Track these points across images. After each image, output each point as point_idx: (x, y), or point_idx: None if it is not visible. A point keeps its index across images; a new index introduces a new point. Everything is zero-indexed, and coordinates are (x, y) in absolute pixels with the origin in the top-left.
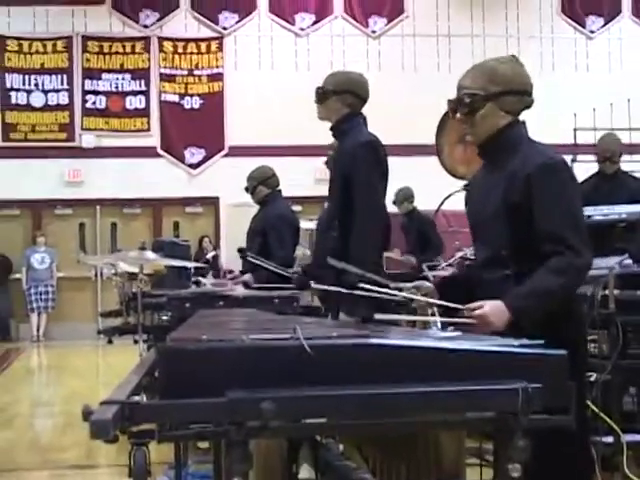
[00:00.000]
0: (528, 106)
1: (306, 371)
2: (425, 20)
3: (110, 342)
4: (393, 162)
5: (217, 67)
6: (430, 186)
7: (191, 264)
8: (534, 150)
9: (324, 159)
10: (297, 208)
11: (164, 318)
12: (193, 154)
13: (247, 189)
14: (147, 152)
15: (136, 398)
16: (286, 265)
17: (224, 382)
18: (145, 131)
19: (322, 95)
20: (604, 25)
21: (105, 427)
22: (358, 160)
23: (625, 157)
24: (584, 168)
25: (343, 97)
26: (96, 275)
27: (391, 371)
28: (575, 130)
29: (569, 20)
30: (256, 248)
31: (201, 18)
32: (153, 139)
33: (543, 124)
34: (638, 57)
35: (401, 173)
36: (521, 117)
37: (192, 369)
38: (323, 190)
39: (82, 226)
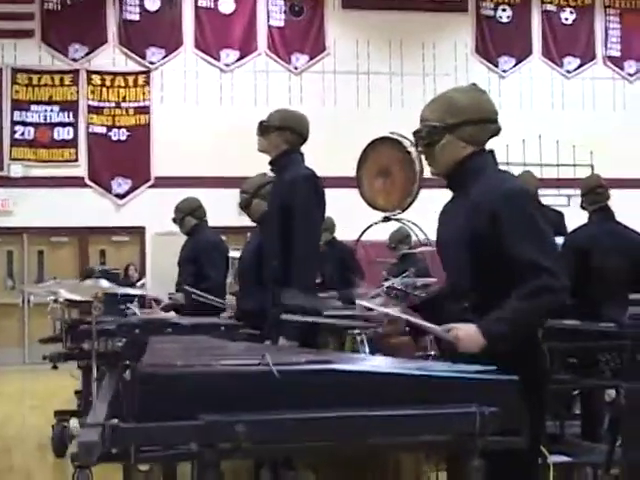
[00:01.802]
0: (494, 134)
1: (275, 395)
2: (345, 58)
3: (55, 367)
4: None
5: (144, 100)
6: (349, 218)
7: (140, 292)
8: (496, 179)
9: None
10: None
11: (118, 344)
12: (120, 184)
13: (175, 220)
14: (75, 182)
15: (115, 421)
16: (217, 287)
17: (197, 406)
18: (73, 161)
19: (264, 129)
20: (515, 65)
21: (91, 449)
22: (297, 191)
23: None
24: None
25: (284, 133)
26: (23, 302)
27: (354, 395)
28: None
29: (482, 60)
30: (190, 277)
31: (129, 52)
32: (81, 169)
33: None
34: (547, 95)
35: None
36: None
37: (167, 393)
38: (246, 220)
39: (10, 254)
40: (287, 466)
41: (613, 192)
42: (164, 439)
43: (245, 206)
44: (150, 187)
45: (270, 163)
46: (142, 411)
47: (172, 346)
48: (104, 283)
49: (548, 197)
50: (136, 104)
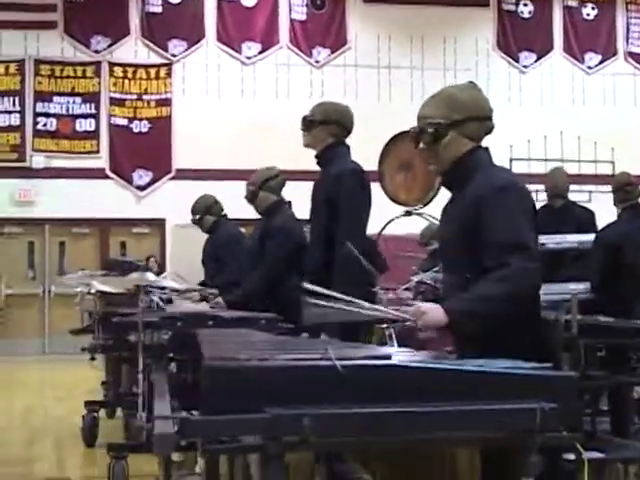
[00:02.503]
0: (489, 131)
1: (338, 389)
2: (367, 52)
3: (93, 359)
4: None
5: (165, 93)
6: (372, 211)
7: (183, 286)
8: (489, 174)
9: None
10: (242, 230)
11: (164, 337)
12: (141, 176)
13: (194, 221)
14: (96, 173)
15: (184, 413)
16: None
17: (262, 399)
18: (94, 153)
19: (308, 124)
20: (536, 60)
21: (169, 441)
22: (344, 186)
23: None
24: None
25: (329, 127)
26: (44, 292)
27: (416, 390)
28: (511, 160)
29: (503, 55)
30: (212, 275)
31: (151, 45)
32: (102, 161)
33: None
34: (568, 91)
35: None
36: None
37: (233, 386)
38: None
39: (31, 245)
40: (339, 460)
41: None
42: (232, 432)
43: (251, 198)
44: (171, 179)
45: (316, 157)
46: (208, 404)
47: (225, 339)
48: (150, 276)
49: (569, 193)
50: (158, 96)
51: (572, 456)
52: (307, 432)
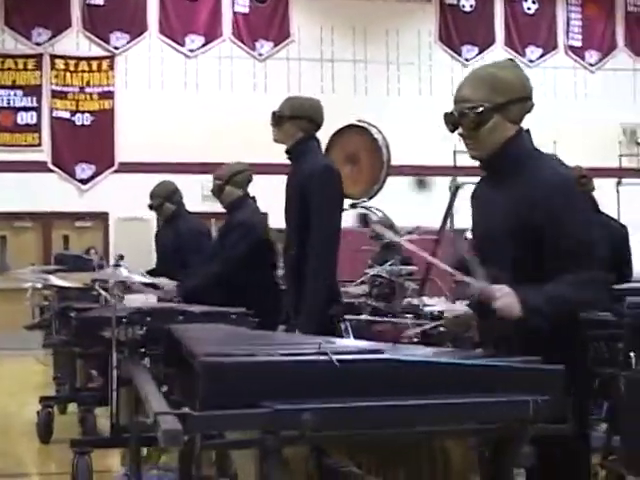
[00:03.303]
0: (529, 111)
1: (333, 384)
2: (310, 45)
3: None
4: (281, 181)
5: (108, 85)
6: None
7: (154, 280)
8: (544, 167)
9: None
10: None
11: (138, 332)
12: (83, 169)
13: (151, 207)
14: (38, 167)
15: (185, 409)
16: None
17: (260, 394)
18: (36, 146)
19: (278, 119)
20: (478, 54)
21: (177, 436)
22: (316, 182)
23: None
24: (466, 189)
25: (299, 122)
26: None
27: (412, 384)
28: (455, 153)
29: (446, 48)
30: (175, 266)
31: (93, 37)
32: (44, 154)
33: (424, 146)
34: None
35: None
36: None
37: (231, 382)
38: (209, 206)
39: None
40: (325, 453)
41: None
42: (233, 427)
43: (217, 192)
44: (114, 172)
45: (286, 152)
46: (207, 400)
47: (207, 335)
48: (124, 272)
49: None
50: (100, 89)
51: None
52: (307, 426)
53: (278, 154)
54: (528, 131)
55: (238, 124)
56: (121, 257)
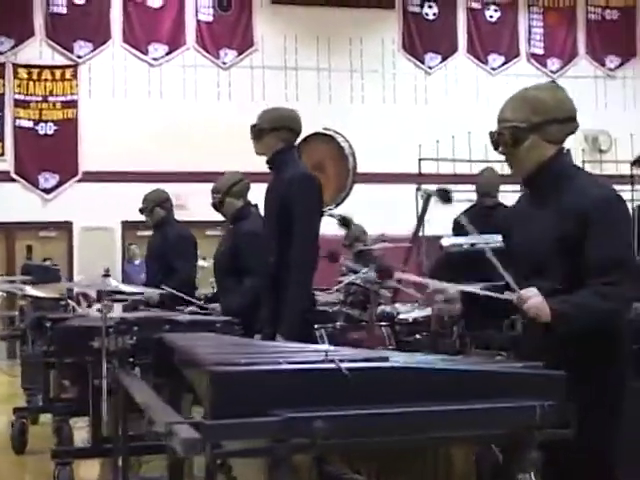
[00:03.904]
0: (572, 132)
1: (342, 392)
2: (274, 53)
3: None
4: None
5: (71, 94)
6: None
7: (133, 289)
8: (586, 183)
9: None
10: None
11: (128, 342)
12: (47, 179)
13: (142, 210)
14: (1, 176)
15: (197, 418)
16: (187, 281)
17: (269, 403)
18: None
19: (258, 132)
20: (442, 62)
21: (195, 444)
22: (297, 190)
23: (465, 187)
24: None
25: (279, 133)
26: None
27: (420, 391)
28: (420, 160)
29: (409, 57)
30: (160, 272)
31: (56, 46)
32: (7, 164)
33: (389, 154)
34: (473, 92)
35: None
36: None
37: (240, 391)
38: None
39: None
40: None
41: None
42: (245, 435)
43: (218, 206)
44: (78, 182)
45: (267, 162)
46: (218, 409)
47: (206, 344)
48: (113, 282)
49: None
50: (63, 98)
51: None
52: (319, 434)
53: (242, 162)
54: (569, 151)
55: (202, 132)
56: (107, 271)
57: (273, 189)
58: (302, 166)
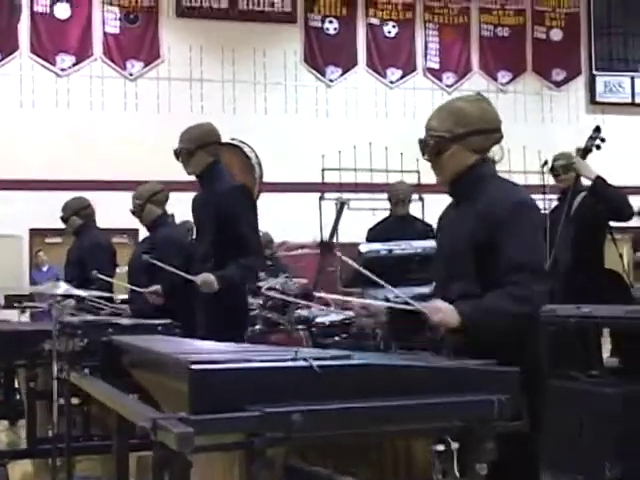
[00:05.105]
0: (496, 142)
1: (312, 388)
2: (179, 65)
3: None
4: None
5: None
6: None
7: (88, 294)
8: (502, 189)
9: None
10: (57, 240)
11: (79, 344)
12: None
13: (61, 219)
14: None
15: (182, 414)
16: (103, 289)
17: (246, 398)
18: None
19: (187, 154)
20: (342, 75)
21: (189, 438)
22: (236, 201)
23: (366, 195)
24: (331, 205)
25: (207, 149)
26: None
27: (383, 386)
28: (323, 170)
29: (311, 69)
30: (75, 280)
31: None
32: None
33: (292, 164)
34: (372, 104)
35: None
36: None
37: (218, 388)
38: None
39: None
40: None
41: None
42: (225, 429)
43: (138, 212)
44: None
45: (198, 177)
46: (198, 405)
47: (159, 345)
48: (63, 285)
49: (378, 201)
50: None
51: (442, 447)
52: (296, 428)
53: (147, 171)
54: (492, 161)
55: (109, 142)
56: (57, 279)
57: (208, 201)
58: (231, 179)
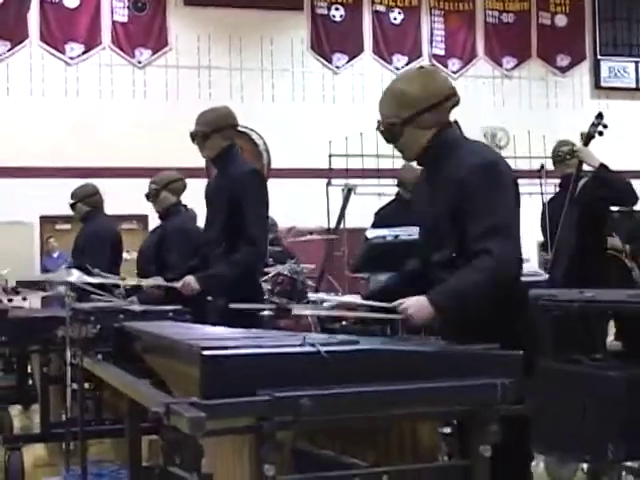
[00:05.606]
0: (453, 107)
1: (320, 373)
2: (187, 53)
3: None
4: None
5: None
6: (200, 208)
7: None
8: (468, 151)
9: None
10: (67, 226)
11: (92, 331)
12: None
13: (70, 205)
14: None
15: (194, 398)
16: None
17: (255, 383)
18: None
19: (202, 137)
20: (348, 62)
21: (202, 422)
22: (248, 185)
23: (373, 181)
24: (338, 191)
25: (222, 133)
26: None
27: (390, 370)
28: (330, 156)
29: (317, 56)
30: (85, 264)
31: None
32: None
33: (300, 150)
34: (379, 90)
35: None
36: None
37: (230, 373)
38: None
39: None
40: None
41: None
42: (236, 413)
43: (153, 197)
44: None
45: (212, 161)
46: (210, 389)
47: (170, 331)
48: (76, 273)
49: (385, 187)
50: None
51: (448, 429)
52: (305, 412)
53: (156, 158)
54: (456, 122)
55: (118, 130)
56: (69, 267)
57: (222, 186)
58: (246, 162)
